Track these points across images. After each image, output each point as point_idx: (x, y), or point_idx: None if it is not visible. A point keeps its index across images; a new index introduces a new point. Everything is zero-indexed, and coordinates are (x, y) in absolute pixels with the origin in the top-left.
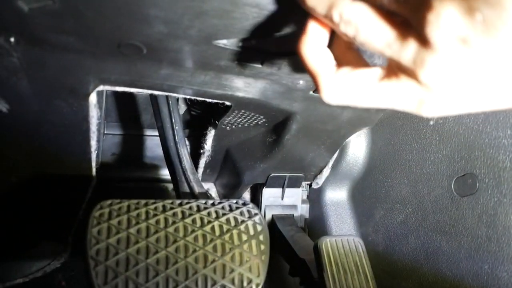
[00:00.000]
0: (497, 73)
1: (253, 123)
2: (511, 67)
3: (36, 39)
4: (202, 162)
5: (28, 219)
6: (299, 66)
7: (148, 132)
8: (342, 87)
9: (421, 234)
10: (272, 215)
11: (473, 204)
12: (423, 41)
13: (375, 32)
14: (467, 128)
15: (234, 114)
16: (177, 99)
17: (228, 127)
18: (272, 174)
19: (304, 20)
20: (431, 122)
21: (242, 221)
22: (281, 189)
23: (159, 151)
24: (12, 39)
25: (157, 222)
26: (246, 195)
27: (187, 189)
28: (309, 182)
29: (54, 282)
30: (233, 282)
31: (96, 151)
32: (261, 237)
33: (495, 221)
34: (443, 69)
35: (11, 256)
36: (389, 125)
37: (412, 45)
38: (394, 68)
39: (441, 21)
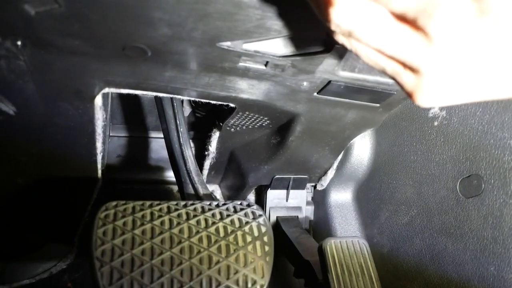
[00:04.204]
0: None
1: (257, 124)
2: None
3: (42, 42)
4: (207, 164)
5: (34, 220)
6: (303, 67)
7: (153, 134)
8: (352, 6)
9: (426, 236)
10: (276, 216)
11: (478, 206)
12: (425, 34)
13: None
14: (472, 129)
15: (239, 116)
16: (182, 101)
17: (232, 129)
18: (277, 176)
19: (306, 21)
20: (436, 123)
21: (247, 223)
22: (285, 190)
23: (164, 153)
24: (19, 43)
25: (162, 223)
26: (251, 197)
27: (191, 191)
28: (313, 184)
29: (60, 283)
30: (237, 283)
31: (101, 153)
32: (265, 238)
33: (501, 222)
34: (445, 60)
35: (17, 257)
36: (393, 127)
37: (415, 39)
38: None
39: None
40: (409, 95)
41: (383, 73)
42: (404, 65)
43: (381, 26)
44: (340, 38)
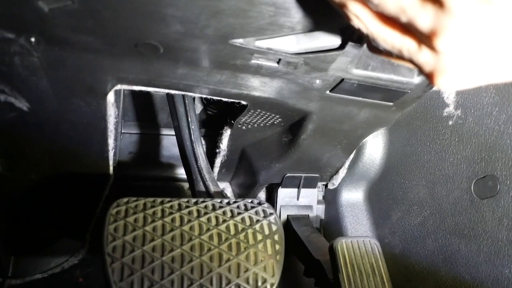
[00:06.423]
0: None
1: (269, 122)
2: None
3: (55, 39)
4: (218, 161)
5: (47, 216)
6: (316, 65)
7: (164, 131)
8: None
9: (439, 237)
10: (287, 215)
11: (493, 207)
12: (440, 4)
13: None
14: (487, 128)
15: (250, 113)
16: (194, 99)
17: (244, 127)
18: (288, 174)
19: (319, 18)
20: (450, 122)
21: (257, 221)
22: (296, 189)
23: (175, 150)
24: (32, 39)
25: (173, 220)
26: (262, 195)
27: (202, 188)
28: (325, 183)
29: (72, 278)
30: (247, 282)
31: (113, 150)
32: (276, 237)
33: None
34: (462, 34)
35: (30, 252)
36: (407, 126)
37: (429, 10)
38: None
39: None
40: (428, 77)
41: (401, 57)
42: (420, 42)
43: None
44: (356, 22)
